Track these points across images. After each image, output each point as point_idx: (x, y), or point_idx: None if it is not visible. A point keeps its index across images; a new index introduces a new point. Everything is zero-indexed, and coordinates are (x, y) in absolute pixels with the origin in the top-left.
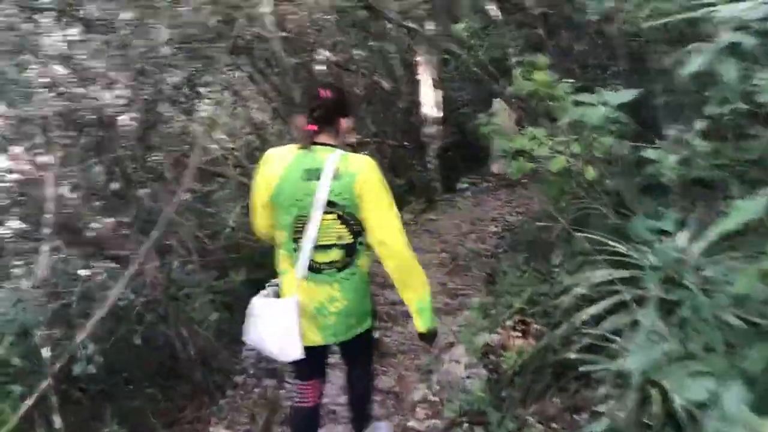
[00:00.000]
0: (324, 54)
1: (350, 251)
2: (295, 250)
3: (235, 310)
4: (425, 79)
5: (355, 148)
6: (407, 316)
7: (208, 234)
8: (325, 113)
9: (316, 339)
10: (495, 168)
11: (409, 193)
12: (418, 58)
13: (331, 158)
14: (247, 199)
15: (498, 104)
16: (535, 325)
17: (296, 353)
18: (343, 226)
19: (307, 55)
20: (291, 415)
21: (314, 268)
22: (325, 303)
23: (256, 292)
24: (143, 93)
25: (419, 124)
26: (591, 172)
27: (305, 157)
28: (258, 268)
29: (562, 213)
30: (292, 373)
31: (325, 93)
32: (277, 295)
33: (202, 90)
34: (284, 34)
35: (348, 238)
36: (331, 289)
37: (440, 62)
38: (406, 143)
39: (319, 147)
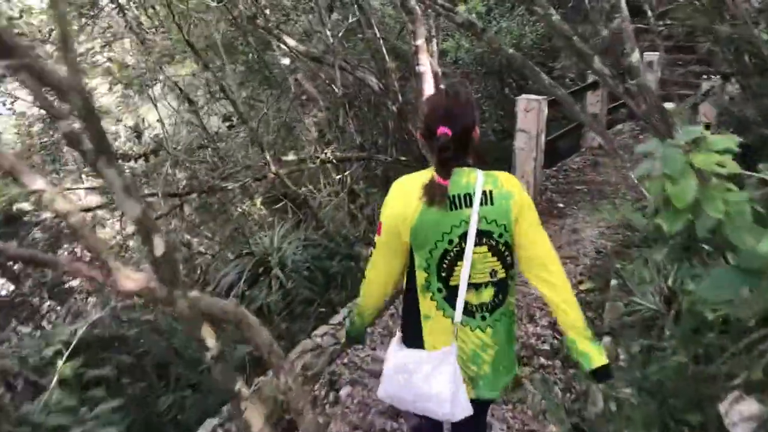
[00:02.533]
0: (290, 42)
1: (503, 288)
2: (440, 291)
3: None
4: (427, 73)
5: (338, 166)
6: None
7: None
8: (458, 150)
9: (469, 394)
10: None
11: None
12: (419, 43)
13: (478, 180)
14: None
15: (526, 103)
16: None
17: (468, 410)
18: (496, 258)
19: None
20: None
21: (467, 311)
22: (478, 351)
23: None
24: None
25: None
26: None
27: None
28: None
29: None
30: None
31: (445, 132)
32: (404, 344)
33: None
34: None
35: (501, 273)
36: (484, 335)
37: (440, 52)
38: (402, 158)
39: (457, 169)
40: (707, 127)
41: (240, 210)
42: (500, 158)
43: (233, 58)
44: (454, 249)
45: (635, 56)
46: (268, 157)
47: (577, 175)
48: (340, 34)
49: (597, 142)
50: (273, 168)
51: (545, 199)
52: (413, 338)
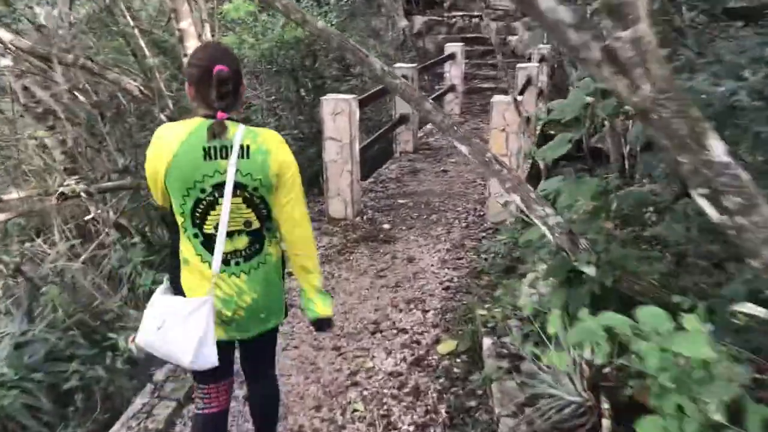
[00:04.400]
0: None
1: (258, 239)
2: (195, 236)
3: None
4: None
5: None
6: None
7: None
8: (232, 95)
9: (220, 335)
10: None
11: None
12: (183, 26)
13: (237, 134)
14: None
15: (334, 105)
16: None
17: (213, 360)
18: (250, 210)
19: None
20: (194, 425)
21: (222, 259)
22: (234, 297)
23: None
24: None
25: None
26: None
27: (204, 132)
28: None
29: None
30: (193, 376)
31: (223, 72)
32: (172, 290)
33: None
34: None
35: (256, 224)
36: (239, 280)
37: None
38: None
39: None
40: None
41: None
42: (309, 171)
43: None
44: (207, 198)
45: None
46: None
47: (397, 187)
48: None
49: (411, 145)
50: None
51: (367, 219)
52: (176, 281)
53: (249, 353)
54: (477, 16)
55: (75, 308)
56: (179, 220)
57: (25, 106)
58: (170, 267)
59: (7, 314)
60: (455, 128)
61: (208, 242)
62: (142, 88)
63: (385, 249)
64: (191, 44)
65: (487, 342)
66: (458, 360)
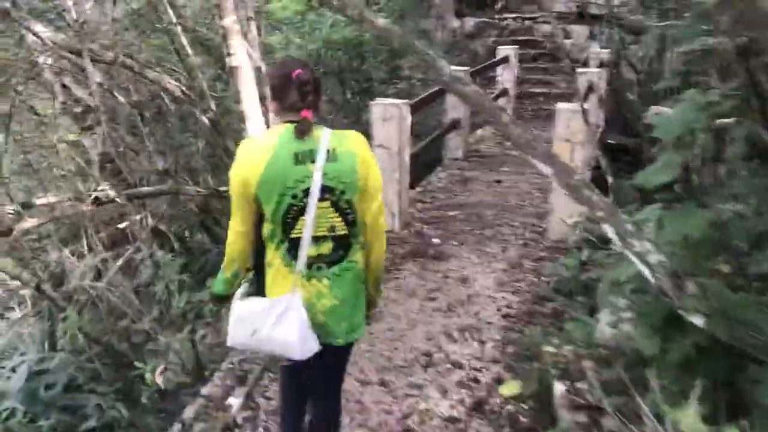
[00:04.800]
0: (42, 32)
1: (343, 245)
2: (282, 242)
3: None
4: (244, 68)
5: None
6: None
7: None
8: (314, 95)
9: None
10: None
11: None
12: (227, 23)
13: (324, 137)
14: None
15: (383, 110)
16: None
17: (315, 346)
18: (337, 214)
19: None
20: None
21: (305, 263)
22: (313, 300)
23: None
24: None
25: None
26: None
27: (290, 139)
28: None
29: None
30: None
31: (303, 74)
32: (251, 293)
33: None
34: None
35: (341, 230)
36: (321, 285)
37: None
38: (221, 189)
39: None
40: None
41: None
42: None
43: None
44: (298, 204)
45: None
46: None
47: (446, 197)
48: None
49: (461, 152)
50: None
51: (414, 232)
52: (260, 287)
53: (324, 364)
54: (529, 19)
55: (100, 331)
56: (268, 227)
57: (64, 105)
58: (254, 275)
59: (29, 336)
60: (535, 144)
61: (295, 247)
62: (183, 88)
63: (436, 267)
64: (235, 42)
65: (559, 388)
66: (525, 406)
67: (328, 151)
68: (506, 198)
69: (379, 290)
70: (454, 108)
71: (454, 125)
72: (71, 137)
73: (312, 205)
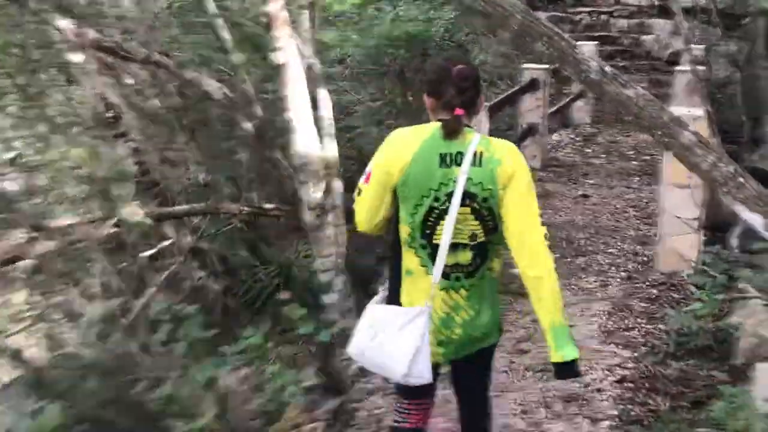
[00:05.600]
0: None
1: (482, 253)
2: (423, 247)
3: None
4: (293, 65)
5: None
6: None
7: None
8: (473, 93)
9: (436, 355)
10: None
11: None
12: (272, 10)
13: (473, 141)
14: None
15: None
16: None
17: (427, 376)
18: (478, 222)
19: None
20: None
21: (443, 272)
22: (452, 313)
23: None
24: None
25: (291, 167)
26: None
27: (439, 138)
28: None
29: None
30: (396, 386)
31: (464, 69)
32: (386, 301)
33: None
34: None
35: (481, 237)
36: (458, 296)
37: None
38: (267, 206)
39: None
40: None
41: None
42: None
43: None
44: (440, 207)
45: None
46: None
47: None
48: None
49: (539, 161)
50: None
51: None
52: (394, 294)
53: (460, 373)
54: (605, 13)
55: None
56: (405, 230)
57: (96, 114)
58: (390, 281)
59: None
60: (744, 182)
61: (436, 253)
62: (226, 90)
63: (522, 306)
64: (282, 33)
65: None
66: None
67: (474, 154)
68: (597, 218)
69: (545, 301)
70: (529, 111)
71: (531, 131)
72: (73, 152)
73: (454, 210)
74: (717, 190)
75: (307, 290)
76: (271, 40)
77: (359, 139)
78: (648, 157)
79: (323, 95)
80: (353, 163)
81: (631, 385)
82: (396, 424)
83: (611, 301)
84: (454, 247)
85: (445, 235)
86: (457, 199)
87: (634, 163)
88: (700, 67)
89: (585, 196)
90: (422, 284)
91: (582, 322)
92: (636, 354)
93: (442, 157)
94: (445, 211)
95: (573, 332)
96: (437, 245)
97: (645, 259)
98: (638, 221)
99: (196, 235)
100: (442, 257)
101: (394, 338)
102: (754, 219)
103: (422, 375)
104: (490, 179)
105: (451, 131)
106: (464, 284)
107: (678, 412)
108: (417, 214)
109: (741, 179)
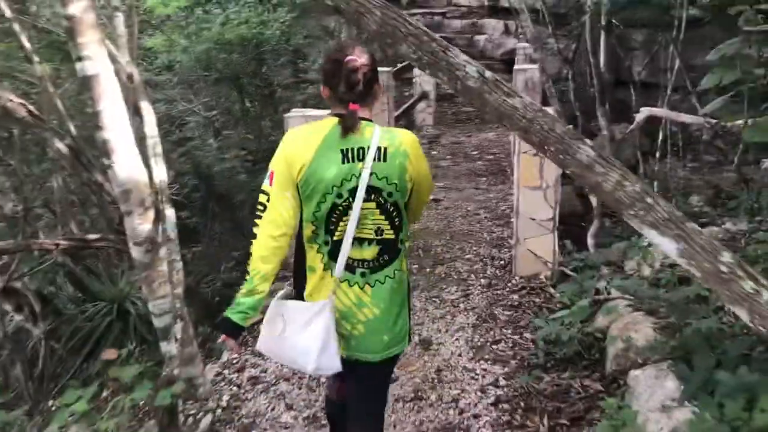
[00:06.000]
0: None
1: (389, 250)
2: (326, 244)
3: None
4: (104, 78)
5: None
6: None
7: None
8: (366, 85)
9: (341, 349)
10: None
11: None
12: (73, 12)
13: (375, 135)
14: None
15: None
16: None
17: (336, 365)
18: (384, 217)
19: None
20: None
21: (348, 266)
22: (354, 308)
23: None
24: None
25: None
26: None
27: (339, 133)
28: None
29: None
30: None
31: (354, 61)
32: (290, 297)
33: None
34: None
35: (388, 234)
36: (362, 293)
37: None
38: (91, 236)
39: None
40: None
41: None
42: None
43: None
44: (343, 204)
45: None
46: None
47: None
48: None
49: None
50: None
51: None
52: (300, 291)
53: (359, 382)
54: (439, 14)
55: None
56: (309, 228)
57: None
58: (294, 280)
59: None
60: (653, 202)
61: (337, 250)
62: (30, 107)
63: None
64: (88, 40)
65: None
66: None
67: (378, 149)
68: (451, 223)
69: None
70: (375, 116)
71: None
72: None
73: (357, 205)
74: (623, 213)
75: (147, 323)
76: (77, 47)
77: (195, 152)
78: (491, 157)
79: (147, 109)
80: (189, 177)
81: (506, 406)
82: (327, 394)
83: (474, 312)
84: (360, 241)
85: (348, 230)
86: (360, 194)
87: (479, 163)
88: (534, 66)
89: (436, 200)
90: (326, 280)
91: (449, 339)
92: (507, 369)
93: (344, 153)
94: (349, 207)
95: (443, 351)
96: (339, 241)
97: (503, 263)
98: (491, 223)
99: (6, 275)
100: (345, 251)
101: (300, 334)
102: (666, 244)
103: (332, 366)
104: (398, 174)
105: (348, 128)
106: (369, 280)
107: (558, 431)
108: (320, 211)
109: (650, 200)
